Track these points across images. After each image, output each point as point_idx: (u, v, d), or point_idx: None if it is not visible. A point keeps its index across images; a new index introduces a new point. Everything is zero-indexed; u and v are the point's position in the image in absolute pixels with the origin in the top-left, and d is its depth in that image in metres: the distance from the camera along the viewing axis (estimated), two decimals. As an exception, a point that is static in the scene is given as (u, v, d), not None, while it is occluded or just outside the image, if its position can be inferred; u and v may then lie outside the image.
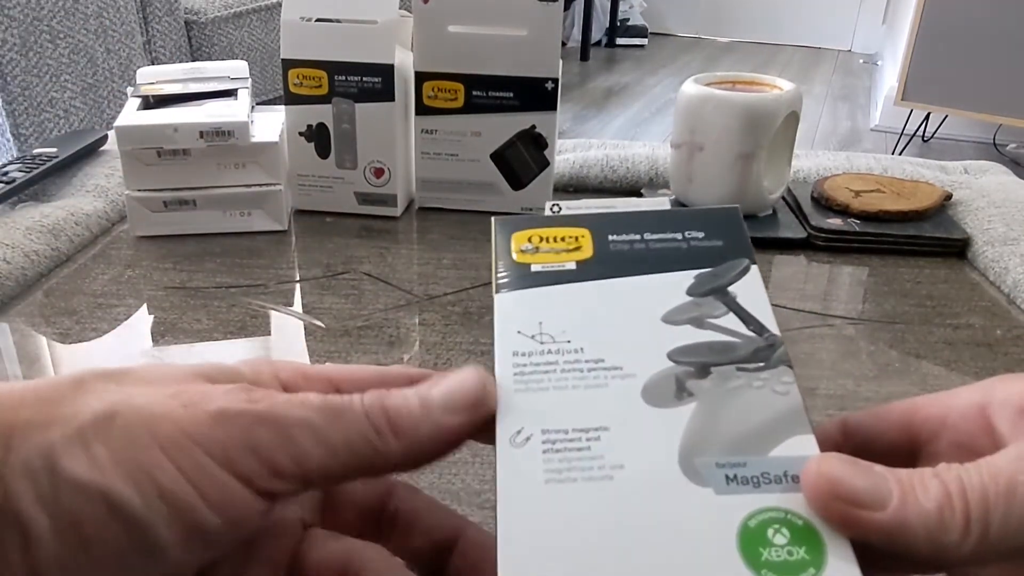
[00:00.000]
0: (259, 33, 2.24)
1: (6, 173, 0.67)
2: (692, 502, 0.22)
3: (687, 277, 0.27)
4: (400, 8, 0.66)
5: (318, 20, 0.65)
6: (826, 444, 0.26)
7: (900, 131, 2.66)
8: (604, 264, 0.28)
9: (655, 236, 0.29)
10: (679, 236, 0.29)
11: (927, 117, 2.59)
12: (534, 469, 0.23)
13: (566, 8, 3.81)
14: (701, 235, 0.29)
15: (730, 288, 0.27)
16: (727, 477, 0.22)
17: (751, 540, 0.21)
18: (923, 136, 2.73)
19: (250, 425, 0.21)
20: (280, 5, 0.63)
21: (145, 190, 0.64)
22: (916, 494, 0.21)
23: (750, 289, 0.27)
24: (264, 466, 0.21)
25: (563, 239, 0.29)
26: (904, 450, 0.26)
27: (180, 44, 2.04)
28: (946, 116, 2.53)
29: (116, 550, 0.20)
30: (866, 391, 0.48)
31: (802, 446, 0.23)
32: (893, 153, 2.47)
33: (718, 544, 0.21)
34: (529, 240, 0.29)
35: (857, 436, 0.27)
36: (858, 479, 0.21)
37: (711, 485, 0.22)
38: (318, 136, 0.67)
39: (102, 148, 0.78)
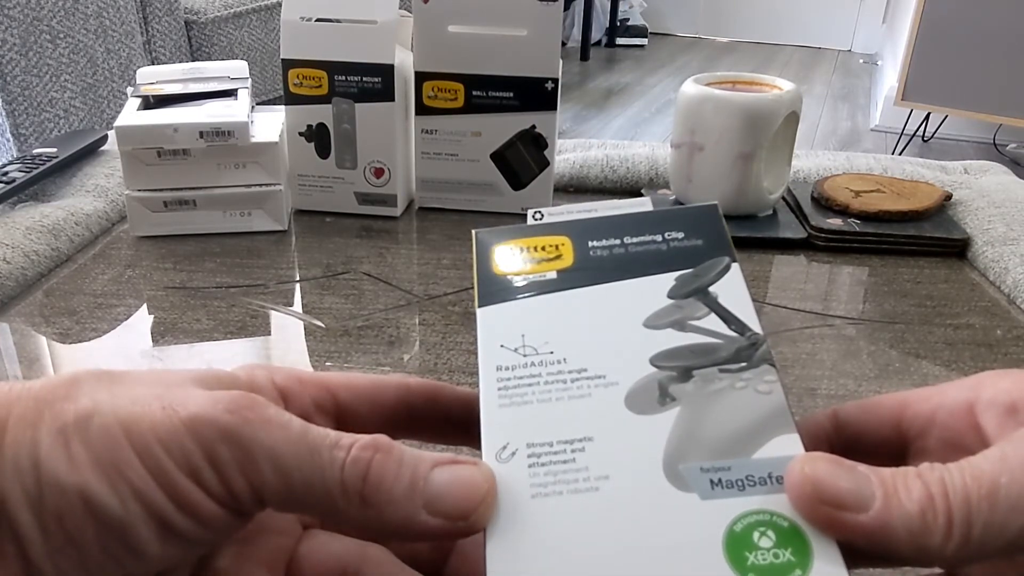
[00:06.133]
0: (259, 33, 2.24)
1: (6, 173, 0.67)
2: (677, 509, 0.22)
3: (668, 279, 0.27)
4: (400, 8, 0.66)
5: (318, 20, 0.65)
6: (818, 436, 0.27)
7: (900, 131, 2.66)
8: (585, 271, 0.28)
9: (635, 239, 0.29)
10: (659, 238, 0.28)
11: (927, 117, 2.59)
12: (520, 485, 0.23)
13: (566, 8, 3.81)
14: (681, 235, 0.28)
15: (711, 288, 0.27)
16: (712, 482, 0.22)
17: (737, 544, 0.21)
18: (923, 136, 2.73)
19: (215, 438, 0.21)
20: (280, 5, 0.63)
21: (145, 190, 0.64)
22: (899, 496, 0.21)
23: (731, 288, 0.27)
24: (221, 482, 0.21)
25: (543, 248, 0.29)
26: (894, 445, 0.26)
27: (180, 44, 2.04)
28: (946, 116, 2.53)
29: (100, 546, 0.20)
30: (866, 391, 0.48)
31: (786, 446, 0.23)
32: (893, 153, 2.47)
33: (704, 550, 0.21)
34: (510, 252, 0.29)
35: (847, 429, 0.27)
36: (841, 480, 0.21)
37: (696, 490, 0.22)
38: (318, 136, 0.67)
39: (102, 148, 0.78)
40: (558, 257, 0.28)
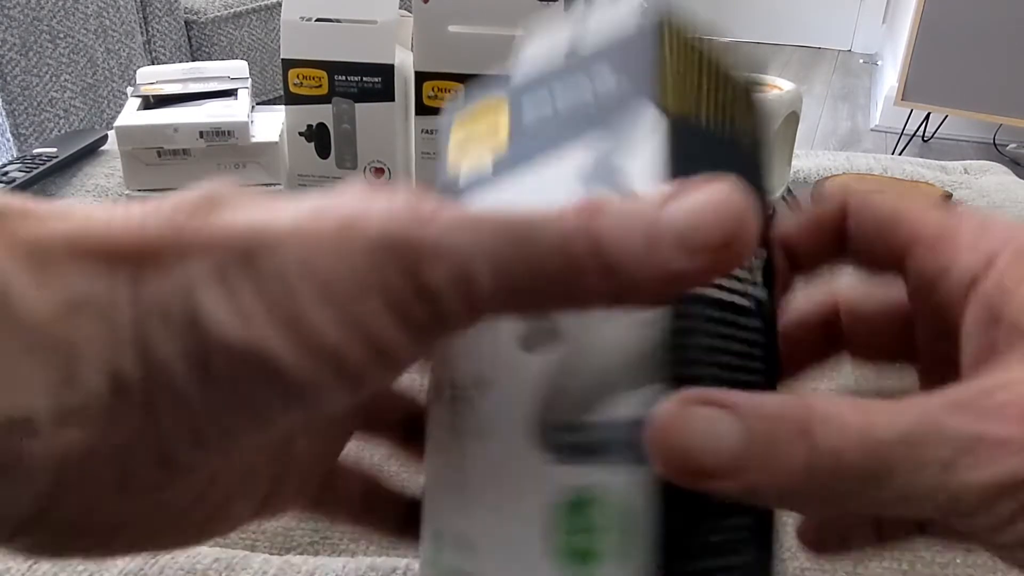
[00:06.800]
0: (259, 33, 2.24)
1: (6, 173, 0.67)
2: (527, 471, 0.20)
3: (585, 156, 0.20)
4: (400, 8, 0.66)
5: (318, 20, 0.65)
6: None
7: (900, 131, 2.66)
8: (513, 155, 0.22)
9: (566, 93, 0.21)
10: (587, 86, 0.21)
11: (927, 117, 2.59)
12: (442, 423, 0.23)
13: (566, 8, 3.80)
14: (612, 79, 0.20)
15: (622, 162, 0.20)
16: (561, 445, 0.19)
17: (560, 521, 0.19)
18: (923, 136, 2.73)
19: (417, 259, 0.17)
20: (280, 5, 0.63)
21: (145, 190, 0.64)
22: (778, 459, 0.17)
23: (647, 159, 0.19)
24: (431, 310, 0.17)
25: (486, 127, 0.24)
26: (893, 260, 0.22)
27: (180, 44, 2.04)
28: (946, 116, 2.52)
29: (275, 408, 0.17)
30: (867, 390, 0.48)
31: (652, 398, 0.18)
32: (893, 153, 2.47)
33: (533, 522, 0.19)
34: (462, 136, 0.25)
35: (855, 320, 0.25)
36: (706, 443, 0.17)
37: (550, 452, 0.19)
38: (318, 136, 0.67)
39: (102, 148, 0.78)
40: (495, 134, 0.23)
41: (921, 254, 0.21)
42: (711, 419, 0.18)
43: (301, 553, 0.40)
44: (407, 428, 0.26)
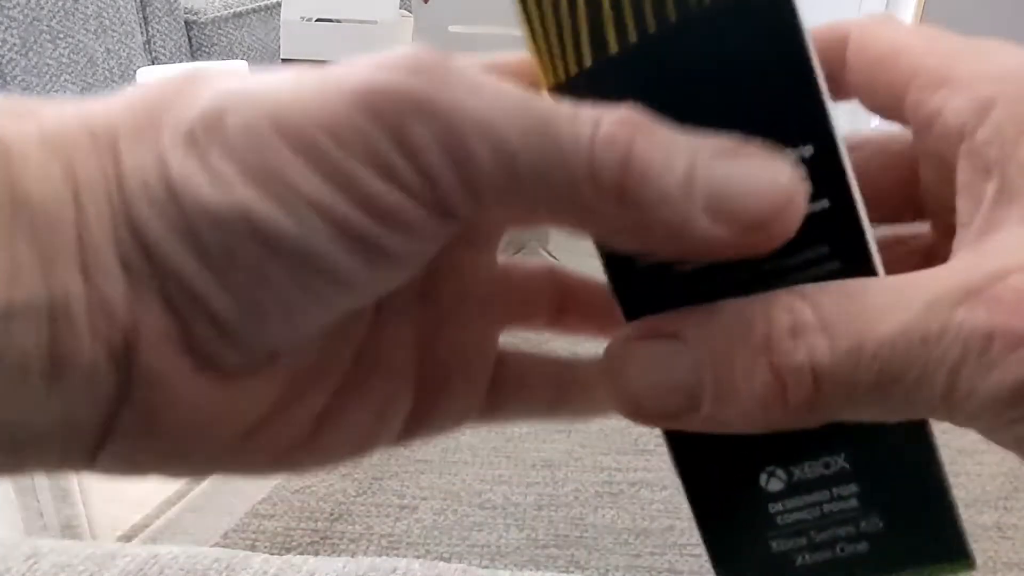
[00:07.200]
0: (259, 33, 2.24)
1: (6, 173, 0.67)
2: None
3: None
4: (400, 8, 0.66)
5: (318, 20, 0.65)
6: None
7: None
8: None
9: None
10: None
11: (927, 117, 2.59)
12: None
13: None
14: None
15: None
16: None
17: None
18: (923, 136, 2.74)
19: (404, 112, 0.15)
20: (280, 5, 0.63)
21: (145, 190, 0.64)
22: (736, 389, 0.16)
23: None
24: (419, 174, 0.15)
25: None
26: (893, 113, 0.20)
27: (180, 44, 2.04)
28: (946, 116, 2.53)
29: (291, 280, 0.16)
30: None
31: None
32: (893, 153, 2.47)
33: None
34: None
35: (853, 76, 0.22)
36: (657, 382, 0.16)
37: None
38: (318, 136, 0.67)
39: (102, 148, 0.78)
40: None
41: (917, 93, 0.19)
42: (658, 354, 0.16)
43: (301, 553, 0.40)
44: (558, 307, 0.23)
